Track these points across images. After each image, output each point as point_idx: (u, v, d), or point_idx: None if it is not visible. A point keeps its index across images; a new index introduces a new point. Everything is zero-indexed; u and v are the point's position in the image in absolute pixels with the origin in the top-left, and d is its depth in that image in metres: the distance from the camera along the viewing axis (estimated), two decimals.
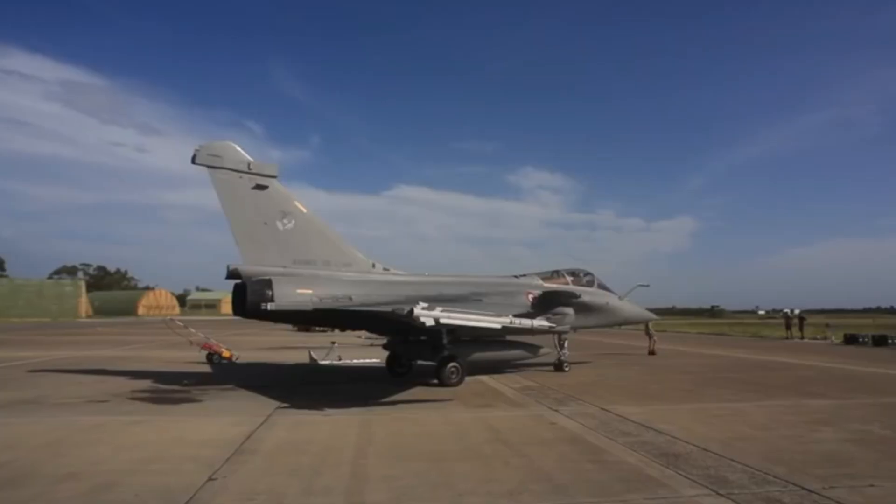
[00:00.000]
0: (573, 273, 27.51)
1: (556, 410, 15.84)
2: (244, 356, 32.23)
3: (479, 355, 21.87)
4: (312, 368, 27.11)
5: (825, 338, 52.92)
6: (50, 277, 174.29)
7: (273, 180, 21.79)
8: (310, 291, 20.71)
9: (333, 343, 32.53)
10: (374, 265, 23.64)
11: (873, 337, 46.21)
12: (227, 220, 20.96)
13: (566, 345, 26.33)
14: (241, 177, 21.17)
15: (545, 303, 24.31)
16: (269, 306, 19.44)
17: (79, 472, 9.65)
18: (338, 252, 22.91)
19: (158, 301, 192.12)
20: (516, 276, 26.90)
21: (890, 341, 44.45)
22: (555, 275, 27.14)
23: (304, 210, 22.46)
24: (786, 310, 60.86)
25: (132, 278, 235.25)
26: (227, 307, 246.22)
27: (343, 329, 25.01)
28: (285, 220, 21.75)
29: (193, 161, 20.75)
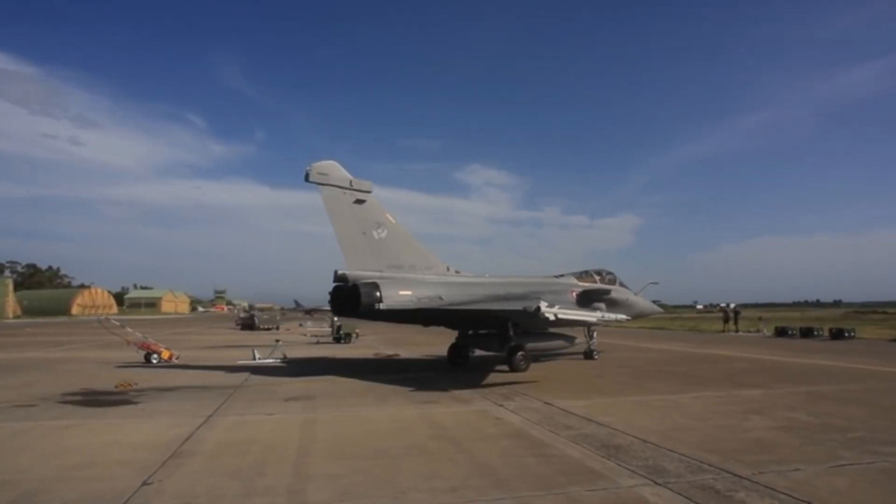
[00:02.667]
0: (599, 272, 30.65)
1: (501, 406, 16.00)
2: (185, 356, 31.17)
3: (533, 345, 24.68)
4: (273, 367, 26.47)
5: (758, 331, 55.66)
6: None
7: (369, 195, 24.37)
8: (409, 293, 23.26)
9: (278, 341, 31.95)
10: (448, 268, 26.37)
11: (801, 329, 49.09)
12: (333, 230, 23.57)
13: (595, 336, 29.93)
14: (344, 192, 23.75)
15: (584, 299, 27.73)
16: (381, 306, 22.09)
17: (1, 481, 9.08)
18: (421, 257, 25.58)
19: (94, 300, 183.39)
20: (557, 276, 29.96)
21: (815, 333, 47.23)
22: (584, 274, 30.30)
23: (394, 220, 25.00)
24: (722, 304, 63.46)
25: (65, 276, 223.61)
26: (168, 305, 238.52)
27: (426, 325, 27.73)
28: (379, 230, 24.33)
29: (307, 179, 23.21)
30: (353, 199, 23.97)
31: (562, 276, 29.98)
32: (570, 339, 26.19)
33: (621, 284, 30.87)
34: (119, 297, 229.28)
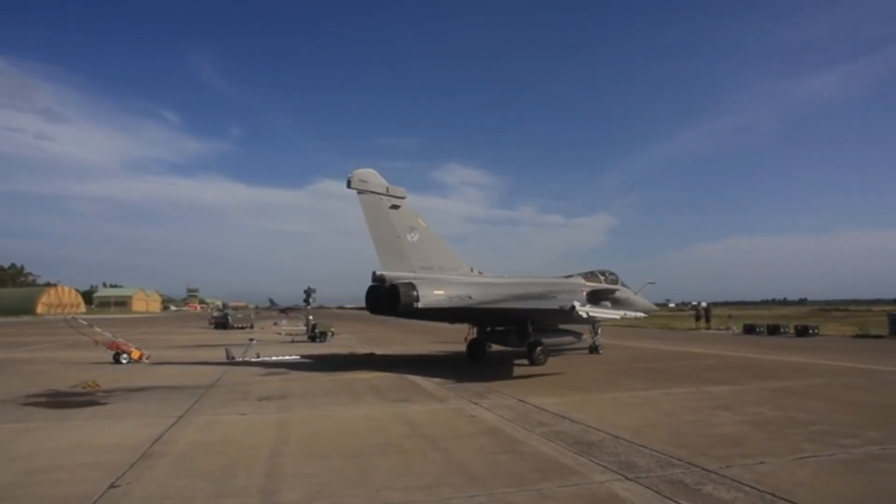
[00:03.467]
0: (603, 273, 32.24)
1: (476, 403, 16.08)
2: (157, 355, 30.64)
3: (548, 340, 26.33)
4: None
5: (727, 328, 56.82)
6: None
7: (403, 201, 25.90)
8: (442, 292, 24.69)
9: (252, 340, 31.60)
10: (472, 269, 27.95)
11: (768, 327, 50.28)
12: (370, 234, 25.03)
13: (599, 332, 31.85)
14: (381, 198, 25.25)
15: (593, 298, 29.24)
16: (419, 305, 23.51)
17: None
18: (448, 258, 27.15)
19: (61, 298, 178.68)
20: (566, 277, 31.54)
21: (782, 330, 48.44)
22: (590, 275, 31.83)
23: (425, 225, 26.60)
24: (694, 302, 64.78)
25: (29, 274, 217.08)
26: (139, 304, 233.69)
27: (453, 322, 29.23)
28: (412, 234, 25.82)
29: (348, 186, 24.70)
30: (389, 205, 25.54)
31: (570, 276, 31.57)
32: (579, 335, 28.23)
33: (622, 284, 32.44)
34: (87, 296, 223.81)
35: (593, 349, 31.23)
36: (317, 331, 44.40)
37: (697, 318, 60.99)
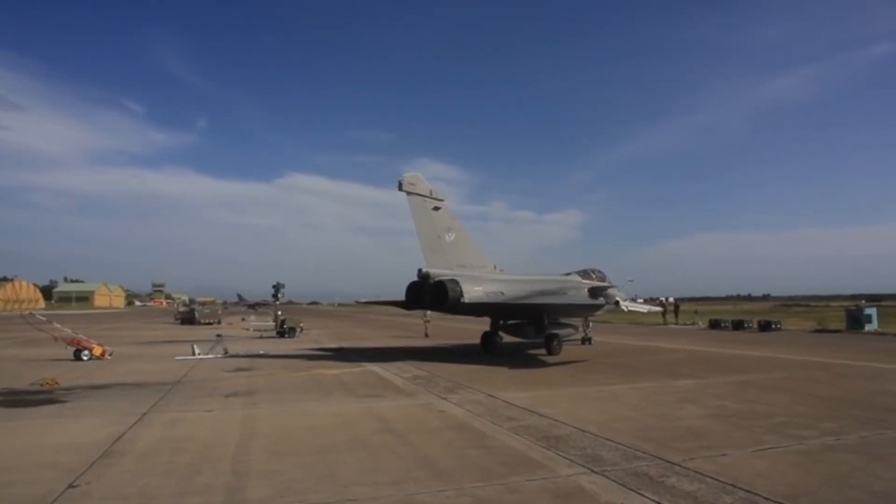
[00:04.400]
0: (593, 271, 34.91)
1: (445, 399, 16.10)
2: (120, 352, 29.93)
3: (560, 332, 28.61)
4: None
5: (694, 323, 58.07)
6: None
7: (443, 203, 28.21)
8: (480, 289, 26.74)
9: (219, 336, 31.12)
10: (494, 266, 30.08)
11: (733, 322, 51.60)
12: (416, 233, 27.08)
13: (591, 325, 34.43)
14: (425, 200, 27.42)
15: (592, 294, 32.07)
16: (464, 300, 25.58)
17: None
18: (477, 257, 29.21)
19: (18, 293, 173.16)
20: (566, 275, 33.82)
21: (746, 325, 49.73)
22: (584, 273, 34.32)
23: (459, 225, 28.84)
24: (661, 298, 65.81)
25: None
26: (102, 300, 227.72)
27: (481, 315, 30.42)
28: (450, 234, 28.04)
29: (400, 188, 26.80)
30: (432, 206, 27.71)
31: (569, 274, 33.87)
32: (576, 327, 30.61)
33: (609, 282, 34.80)
34: (47, 291, 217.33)
35: (586, 340, 33.70)
36: (286, 326, 43.92)
37: (665, 313, 62.14)
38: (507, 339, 31.23)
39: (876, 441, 10.87)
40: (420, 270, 26.28)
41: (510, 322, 29.99)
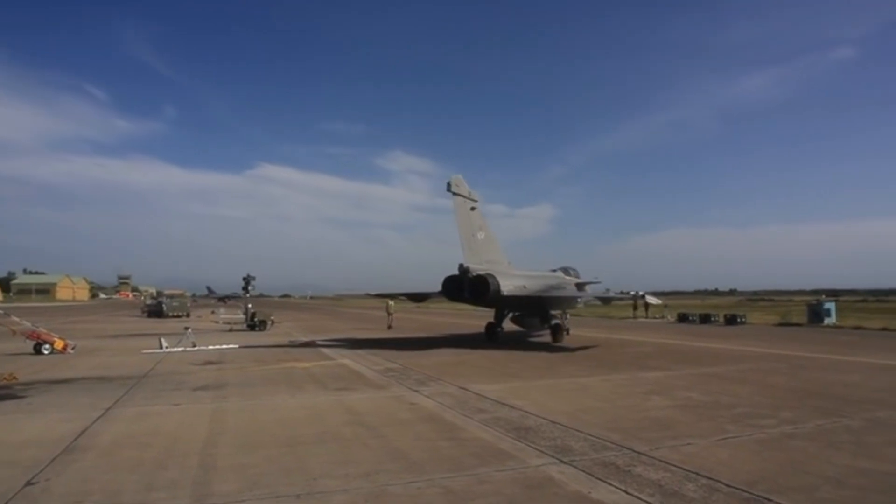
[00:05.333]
0: (571, 269, 38.07)
1: (417, 391, 16.13)
2: (84, 346, 29.19)
3: (558, 322, 31.99)
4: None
5: (663, 317, 59.15)
6: None
7: (477, 204, 30.98)
8: (511, 283, 29.15)
9: (187, 329, 30.59)
10: (508, 263, 32.50)
11: (700, 316, 52.80)
12: (458, 231, 29.53)
13: (568, 316, 35.78)
14: (465, 201, 30.09)
15: (578, 289, 36.25)
16: (503, 293, 28.29)
17: None
18: (498, 254, 31.77)
19: None
20: (552, 271, 36.67)
21: (712, 319, 50.91)
22: (564, 270, 37.32)
23: (487, 225, 31.42)
24: (632, 292, 66.90)
25: None
26: (65, 292, 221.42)
27: (505, 308, 32.78)
28: (480, 233, 30.58)
29: (448, 189, 29.62)
30: (470, 207, 30.37)
31: (555, 270, 36.48)
32: (567, 318, 34.10)
33: (580, 278, 38.18)
34: (4, 283, 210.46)
35: (567, 330, 35.03)
36: (256, 319, 43.42)
37: (635, 307, 63.13)
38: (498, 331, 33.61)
39: (830, 429, 11.28)
40: (461, 266, 28.60)
41: (518, 313, 32.59)
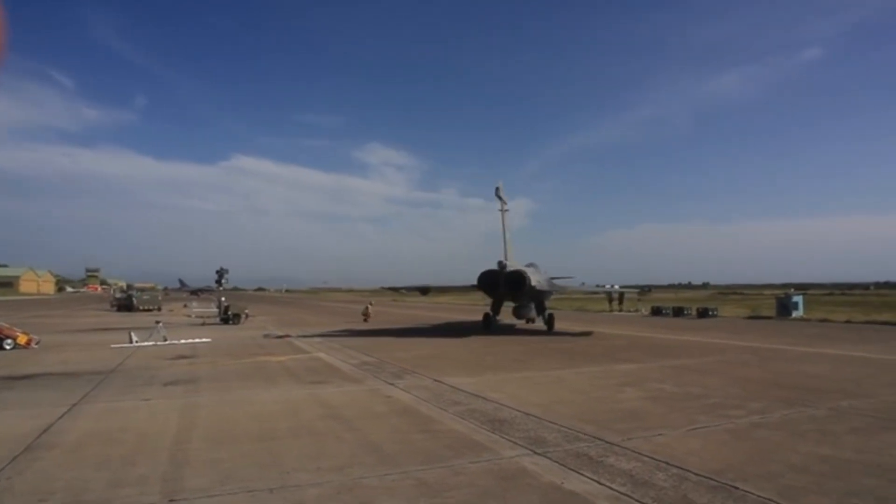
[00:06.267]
0: (537, 264, 39.83)
1: (392, 384, 16.09)
2: (49, 341, 28.43)
3: (551, 312, 36.56)
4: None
5: (637, 310, 59.98)
6: None
7: (507, 206, 36.21)
8: (534, 278, 33.12)
9: (158, 322, 30.06)
10: (516, 260, 35.51)
11: (673, 309, 53.61)
12: (502, 231, 35.50)
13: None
14: (504, 204, 35.62)
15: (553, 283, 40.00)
16: (534, 286, 32.84)
17: None
18: (513, 253, 35.80)
19: None
20: (527, 266, 37.54)
21: (685, 312, 51.79)
22: (534, 266, 38.92)
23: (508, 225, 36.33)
24: (607, 286, 67.57)
25: None
26: (28, 286, 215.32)
27: (530, 299, 35.76)
28: (507, 233, 35.74)
29: (497, 193, 35.50)
30: (505, 209, 35.82)
31: (529, 265, 37.90)
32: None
33: None
34: None
35: (531, 321, 38.29)
36: (230, 313, 42.80)
37: (610, 301, 63.85)
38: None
39: (796, 419, 11.58)
40: (500, 262, 32.28)
41: (518, 304, 35.61)
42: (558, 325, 36.20)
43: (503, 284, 32.12)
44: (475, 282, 33.47)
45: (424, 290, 41.06)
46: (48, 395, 14.77)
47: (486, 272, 32.52)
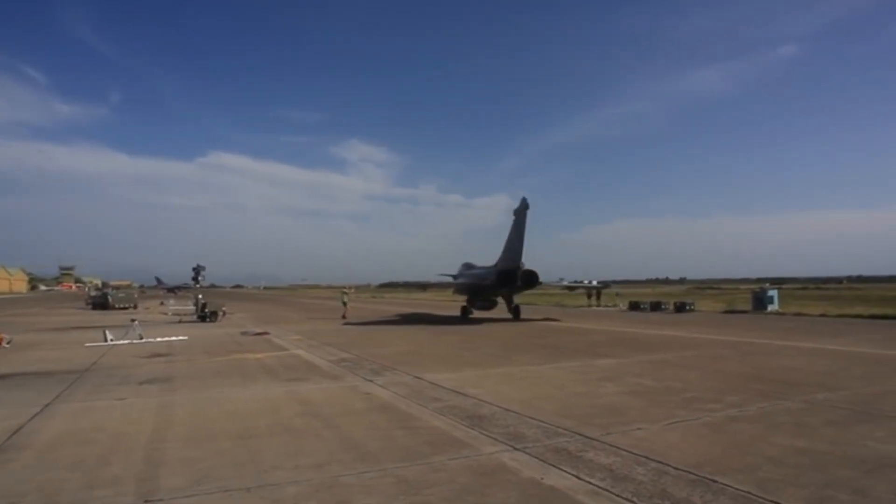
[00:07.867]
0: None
1: (371, 381, 16.00)
2: (21, 340, 27.82)
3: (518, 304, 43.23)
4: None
5: (615, 305, 60.56)
6: None
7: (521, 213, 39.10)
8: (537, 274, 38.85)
9: (134, 321, 29.59)
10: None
11: (651, 304, 54.23)
12: (523, 236, 38.54)
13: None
14: (523, 211, 38.68)
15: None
16: (541, 282, 39.49)
17: None
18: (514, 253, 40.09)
19: None
20: (494, 265, 42.51)
21: (663, 307, 52.42)
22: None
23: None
24: (586, 281, 68.09)
25: None
26: None
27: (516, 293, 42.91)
28: (523, 240, 38.66)
29: (527, 205, 38.37)
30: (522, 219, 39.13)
31: (496, 265, 41.70)
32: None
33: None
34: None
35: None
36: (207, 310, 42.30)
37: (589, 296, 64.36)
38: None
39: (772, 411, 11.75)
40: (519, 262, 37.74)
41: (490, 297, 42.90)
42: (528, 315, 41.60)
43: (520, 280, 37.96)
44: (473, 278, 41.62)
45: (424, 287, 46.90)
46: (20, 395, 14.43)
47: (503, 270, 38.79)
